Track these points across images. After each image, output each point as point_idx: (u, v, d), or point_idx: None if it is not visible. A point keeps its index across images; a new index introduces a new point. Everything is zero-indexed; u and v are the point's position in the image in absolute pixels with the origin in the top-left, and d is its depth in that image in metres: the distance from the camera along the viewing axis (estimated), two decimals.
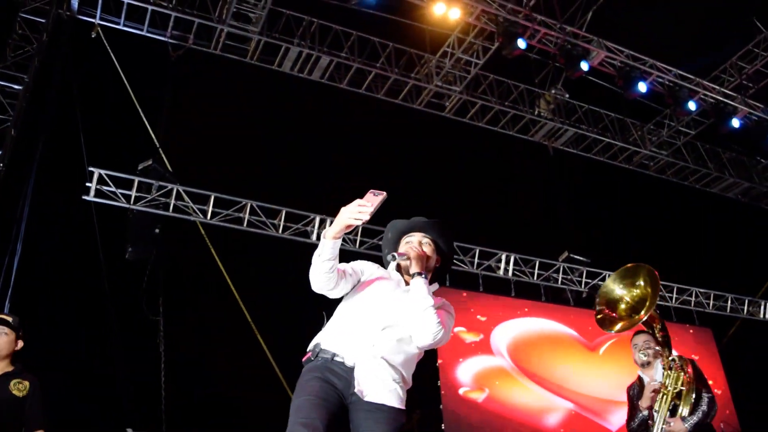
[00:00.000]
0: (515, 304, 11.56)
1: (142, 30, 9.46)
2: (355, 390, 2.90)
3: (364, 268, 3.33)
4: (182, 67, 9.67)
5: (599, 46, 10.32)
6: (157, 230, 9.24)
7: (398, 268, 3.27)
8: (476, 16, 9.69)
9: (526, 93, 11.75)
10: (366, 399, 2.91)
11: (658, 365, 4.73)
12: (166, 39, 9.57)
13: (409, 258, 3.18)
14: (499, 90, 11.54)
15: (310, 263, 3.10)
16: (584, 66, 9.92)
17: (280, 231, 9.92)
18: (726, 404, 12.12)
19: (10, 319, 4.39)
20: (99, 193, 8.95)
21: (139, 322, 9.00)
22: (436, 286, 3.33)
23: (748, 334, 13.68)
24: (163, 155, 9.44)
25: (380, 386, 2.94)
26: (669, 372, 4.54)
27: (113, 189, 9.03)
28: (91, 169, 8.96)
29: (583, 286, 12.11)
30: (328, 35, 10.21)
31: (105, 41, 9.26)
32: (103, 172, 9.00)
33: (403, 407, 2.99)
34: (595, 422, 10.86)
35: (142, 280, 9.03)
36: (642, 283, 4.64)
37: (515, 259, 11.56)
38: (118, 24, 9.36)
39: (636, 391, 4.79)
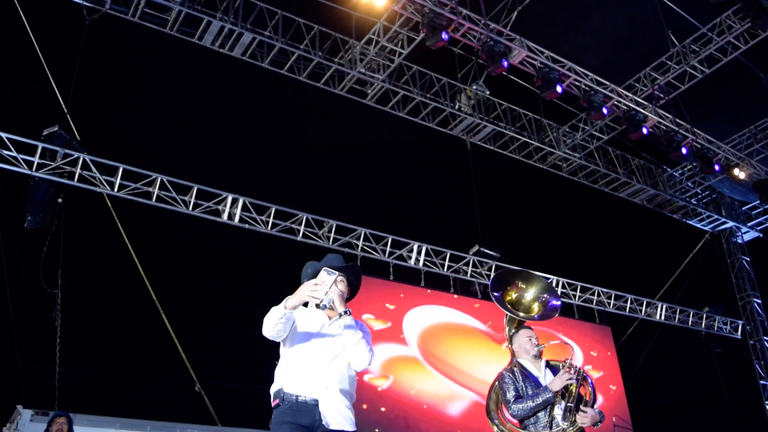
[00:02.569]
0: (425, 294, 11.69)
1: None
2: (322, 422, 3.46)
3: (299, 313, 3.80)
4: (97, 33, 9.28)
5: (521, 45, 10.52)
6: (60, 200, 8.87)
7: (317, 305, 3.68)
8: (402, 5, 9.71)
9: (448, 87, 11.87)
10: (331, 428, 3.48)
11: (543, 363, 4.94)
12: (81, 1, 9.15)
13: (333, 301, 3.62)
14: (422, 81, 11.61)
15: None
16: (505, 64, 10.07)
17: (191, 208, 9.68)
18: (620, 399, 12.64)
19: None
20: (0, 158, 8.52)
21: (35, 294, 8.64)
22: (349, 311, 3.78)
23: (644, 334, 14.28)
24: (71, 122, 9.06)
25: (339, 415, 3.52)
26: (575, 372, 4.71)
27: (14, 154, 8.60)
28: None
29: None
30: (253, 12, 10.01)
31: (15, 1, 8.80)
32: (4, 135, 8.56)
33: (355, 428, 3.60)
34: None
35: (41, 251, 8.67)
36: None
37: (427, 249, 11.68)
38: None
39: (520, 377, 4.87)
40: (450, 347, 11.56)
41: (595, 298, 13.48)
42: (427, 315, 11.60)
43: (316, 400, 3.49)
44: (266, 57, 10.34)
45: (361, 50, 10.77)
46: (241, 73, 10.47)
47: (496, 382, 4.99)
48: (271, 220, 10.34)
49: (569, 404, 4.66)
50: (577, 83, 11.19)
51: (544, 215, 13.93)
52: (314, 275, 3.77)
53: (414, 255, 11.57)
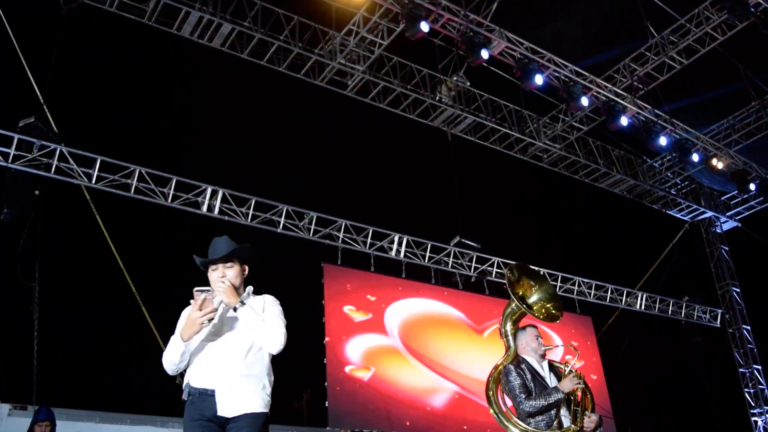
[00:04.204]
0: (406, 285, 11.71)
1: None
2: (218, 413, 3.39)
3: (181, 316, 3.71)
4: (74, 23, 9.18)
5: (500, 36, 10.53)
6: (36, 192, 8.78)
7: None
8: None
9: (429, 78, 11.87)
10: (226, 416, 3.40)
11: (546, 363, 5.09)
12: None
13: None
14: (402, 73, 11.60)
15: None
16: (485, 54, 10.08)
17: (170, 200, 9.63)
18: (600, 388, 12.74)
19: None
20: None
21: (12, 287, 8.57)
22: (250, 288, 3.78)
23: (625, 323, 14.40)
24: (47, 113, 8.96)
25: (236, 403, 3.42)
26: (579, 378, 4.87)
27: None
28: None
29: (472, 270, 12.39)
30: (232, 2, 9.94)
31: None
32: None
33: (263, 410, 3.49)
34: (479, 404, 11.17)
35: (18, 244, 8.59)
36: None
37: (408, 241, 11.69)
38: None
39: (528, 374, 4.96)
40: (431, 338, 11.60)
41: (576, 288, 13.56)
42: (408, 306, 11.62)
43: (214, 390, 3.43)
44: (246, 48, 10.28)
45: (341, 41, 10.73)
46: (220, 64, 10.41)
47: (499, 374, 5.06)
48: (251, 212, 10.30)
49: (575, 408, 4.85)
50: (556, 74, 11.23)
51: (524, 206, 13.99)
52: (203, 266, 3.74)
53: (395, 246, 11.58)
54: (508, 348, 5.17)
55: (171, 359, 3.51)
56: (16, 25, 8.87)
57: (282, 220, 10.55)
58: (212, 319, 3.43)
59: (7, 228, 8.55)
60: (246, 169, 10.41)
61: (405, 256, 11.67)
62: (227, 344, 3.53)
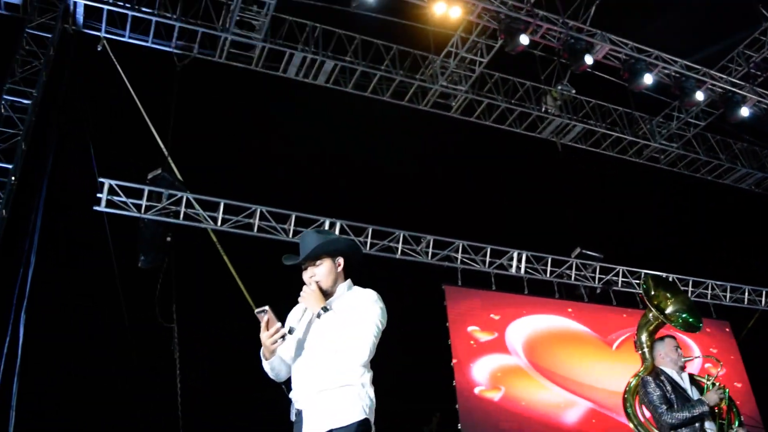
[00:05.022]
0: (529, 301, 11.52)
1: (147, 41, 9.58)
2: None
3: (287, 320, 3.58)
4: (188, 77, 9.75)
5: (603, 39, 10.30)
6: (168, 238, 9.31)
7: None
8: (477, 14, 9.71)
9: (533, 90, 11.74)
10: None
11: (686, 375, 4.96)
12: (171, 49, 9.69)
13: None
14: (505, 88, 11.54)
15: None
16: (588, 60, 9.91)
17: (291, 236, 9.96)
18: (747, 398, 12.00)
19: None
20: (110, 203, 9.04)
21: (153, 329, 9.05)
22: (347, 283, 3.49)
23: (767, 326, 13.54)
24: (172, 164, 9.52)
25: (325, 416, 3.14)
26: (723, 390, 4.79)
27: (124, 199, 9.11)
28: (101, 180, 9.06)
29: (596, 281, 12.05)
30: (332, 40, 10.28)
31: (111, 54, 9.37)
32: (113, 182, 9.09)
33: (358, 418, 3.14)
34: (614, 419, 10.78)
35: (155, 288, 9.10)
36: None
37: (527, 256, 11.53)
38: (124, 36, 9.49)
39: (668, 385, 4.82)
40: (558, 354, 11.32)
41: (710, 291, 12.93)
42: (533, 323, 11.41)
43: (301, 411, 3.24)
44: (349, 81, 10.57)
45: (441, 64, 10.83)
46: (326, 100, 10.71)
47: (637, 386, 4.96)
48: (369, 240, 10.49)
49: (721, 421, 4.73)
50: (666, 71, 10.84)
51: (644, 210, 13.46)
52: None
53: (514, 263, 11.45)
54: (644, 360, 5.05)
55: (269, 374, 3.41)
56: (136, 85, 9.48)
57: (399, 245, 10.67)
58: (284, 336, 3.23)
59: (144, 274, 9.08)
60: (361, 200, 10.61)
61: (525, 272, 11.51)
62: (314, 356, 3.28)
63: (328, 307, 3.28)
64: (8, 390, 7.81)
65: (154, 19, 9.34)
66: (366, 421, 3.16)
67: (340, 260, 3.47)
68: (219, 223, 9.60)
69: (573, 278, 11.91)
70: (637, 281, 12.49)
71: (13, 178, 8.27)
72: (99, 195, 9.00)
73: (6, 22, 8.88)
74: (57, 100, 8.93)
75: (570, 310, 11.81)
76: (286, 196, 10.06)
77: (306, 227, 10.08)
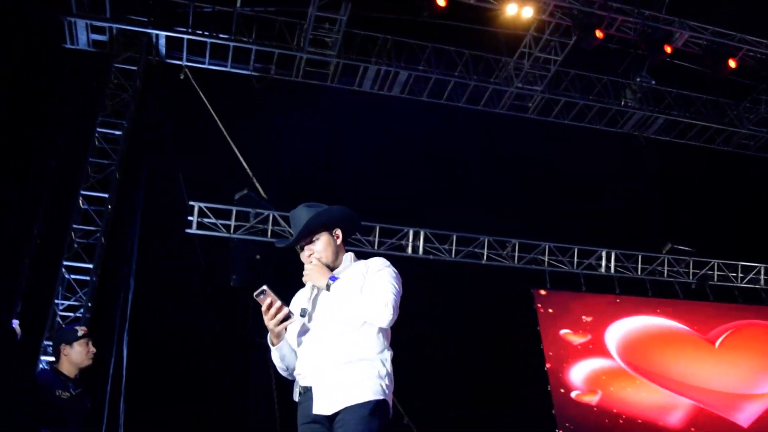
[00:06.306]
0: (621, 301, 11.23)
1: (226, 66, 9.86)
2: (313, 411, 2.88)
3: (292, 303, 3.29)
4: (267, 97, 9.98)
5: (681, 26, 10.00)
6: (258, 256, 9.51)
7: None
8: (549, 12, 9.59)
9: (610, 84, 11.47)
10: (328, 413, 2.86)
11: None
12: (249, 72, 9.93)
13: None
14: (582, 84, 11.31)
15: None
16: (668, 49, 9.63)
17: (376, 246, 10.04)
18: None
19: None
20: (201, 226, 9.34)
21: (247, 346, 9.24)
22: (350, 255, 3.25)
23: None
24: (256, 183, 9.74)
25: (326, 399, 2.88)
26: None
27: (213, 220, 9.39)
28: (191, 203, 9.35)
29: (691, 277, 11.64)
30: (404, 50, 10.33)
31: (193, 80, 9.70)
32: (203, 205, 9.38)
33: (373, 397, 2.84)
34: (723, 417, 10.38)
35: (248, 305, 9.29)
36: None
37: (616, 255, 11.26)
38: (204, 63, 9.79)
39: None
40: (657, 354, 11.00)
41: None
42: (627, 323, 11.12)
43: (311, 387, 2.93)
44: (424, 90, 10.60)
45: (515, 65, 10.72)
46: (400, 110, 10.75)
47: None
48: (453, 248, 10.46)
49: None
50: (751, 53, 10.41)
51: (736, 200, 12.91)
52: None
53: (603, 262, 11.21)
54: None
55: (277, 365, 3.15)
56: (217, 108, 9.76)
57: (485, 251, 10.59)
58: (290, 316, 2.98)
59: (236, 291, 9.29)
60: (443, 208, 10.58)
61: (616, 271, 11.23)
62: (325, 331, 2.99)
63: (336, 277, 3.04)
64: (115, 411, 8.11)
65: (231, 44, 9.60)
66: (383, 403, 2.87)
67: (338, 231, 3.22)
68: None
69: (666, 275, 11.54)
70: (734, 274, 12.02)
71: (109, 206, 8.64)
72: (190, 218, 9.30)
73: (95, 59, 9.31)
74: (146, 129, 9.28)
75: (664, 307, 11.45)
76: (368, 208, 10.11)
77: (390, 239, 10.13)
